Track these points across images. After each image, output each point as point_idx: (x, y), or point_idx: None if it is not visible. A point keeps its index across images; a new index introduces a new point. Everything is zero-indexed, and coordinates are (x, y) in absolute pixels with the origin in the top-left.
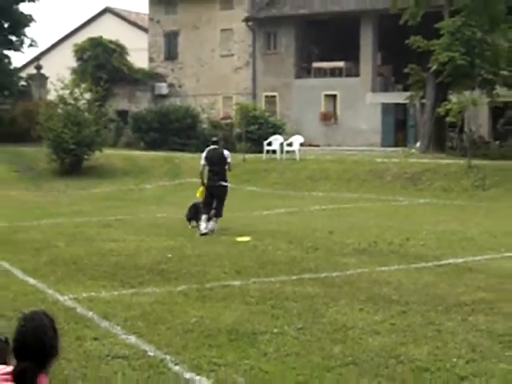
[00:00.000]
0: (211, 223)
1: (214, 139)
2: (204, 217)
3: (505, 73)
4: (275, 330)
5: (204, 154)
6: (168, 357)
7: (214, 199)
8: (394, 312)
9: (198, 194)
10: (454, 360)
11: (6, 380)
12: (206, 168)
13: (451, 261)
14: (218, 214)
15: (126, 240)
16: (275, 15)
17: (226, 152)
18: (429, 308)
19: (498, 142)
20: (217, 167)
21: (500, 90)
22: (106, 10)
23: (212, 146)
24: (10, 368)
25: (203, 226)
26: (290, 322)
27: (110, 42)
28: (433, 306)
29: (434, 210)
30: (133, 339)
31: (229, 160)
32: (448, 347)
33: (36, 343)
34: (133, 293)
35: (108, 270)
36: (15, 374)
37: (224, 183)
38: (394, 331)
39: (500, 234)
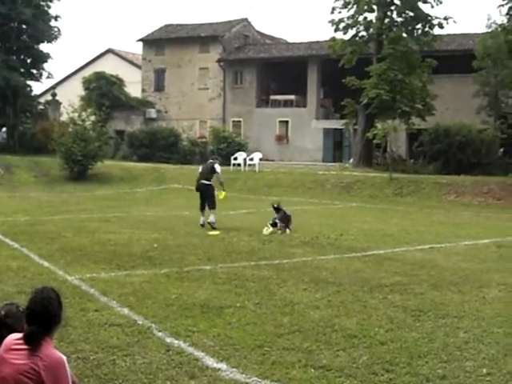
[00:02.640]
0: (211, 216)
1: (213, 157)
2: (200, 213)
3: (419, 106)
4: (238, 305)
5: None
6: (153, 325)
7: (202, 196)
8: (331, 291)
9: (221, 196)
10: (376, 329)
11: (19, 344)
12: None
13: (375, 252)
14: (211, 206)
15: (121, 232)
16: (241, 58)
17: (216, 165)
18: (357, 288)
19: (412, 160)
20: (205, 173)
21: (415, 119)
22: (109, 51)
23: (210, 161)
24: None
25: (201, 219)
26: (250, 298)
27: (111, 75)
28: (360, 286)
29: (363, 212)
30: (126, 311)
31: (218, 171)
32: (372, 319)
33: (43, 311)
34: (126, 274)
35: (107, 256)
36: (24, 336)
37: (206, 182)
38: (330, 306)
39: (414, 231)
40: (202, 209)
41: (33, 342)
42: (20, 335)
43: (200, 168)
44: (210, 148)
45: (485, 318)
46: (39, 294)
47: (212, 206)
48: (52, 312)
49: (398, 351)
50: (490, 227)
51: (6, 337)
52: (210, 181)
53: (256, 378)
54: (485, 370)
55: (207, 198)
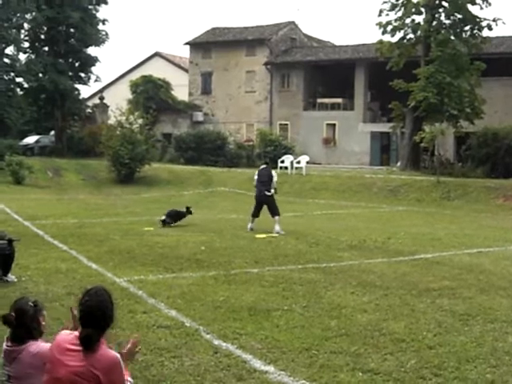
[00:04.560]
0: (276, 226)
1: (266, 160)
2: (251, 218)
3: (467, 110)
4: (285, 308)
5: (256, 173)
6: (201, 327)
7: (261, 205)
8: (378, 295)
9: None
10: (425, 333)
11: (73, 344)
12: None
13: (423, 256)
14: (274, 214)
15: (168, 235)
16: (289, 61)
17: (274, 172)
18: (405, 292)
19: (460, 164)
20: (264, 182)
21: (463, 123)
22: (156, 54)
23: (262, 166)
24: (76, 333)
25: (249, 225)
26: (297, 301)
27: (159, 79)
28: (408, 290)
29: (410, 215)
30: (173, 313)
31: (275, 179)
32: (420, 323)
33: (100, 314)
34: (174, 277)
35: (154, 258)
36: (82, 338)
37: (268, 193)
38: (378, 310)
39: (461, 235)
40: (255, 216)
41: (90, 344)
42: (72, 333)
43: (256, 175)
44: (257, 151)
45: None
46: (94, 297)
47: (276, 213)
48: (108, 314)
49: (446, 355)
50: None
51: (25, 337)
52: (270, 191)
53: (304, 381)
54: None
55: (270, 207)
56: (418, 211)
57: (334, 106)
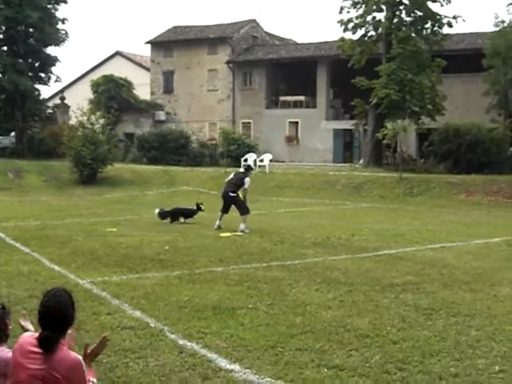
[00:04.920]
0: (241, 225)
1: (246, 169)
2: (220, 214)
3: (428, 106)
4: (250, 306)
5: (233, 173)
6: (166, 327)
7: (227, 204)
8: (342, 291)
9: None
10: (389, 328)
11: (34, 346)
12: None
13: (386, 251)
14: (241, 213)
15: (132, 235)
16: (250, 59)
17: (247, 180)
18: (369, 288)
19: (422, 160)
20: (233, 184)
21: (424, 119)
22: (117, 53)
23: (241, 170)
24: (36, 334)
25: (217, 222)
26: (262, 299)
27: (120, 78)
28: (372, 286)
29: (373, 212)
30: (138, 314)
31: (246, 186)
32: (384, 318)
33: (58, 315)
34: (138, 277)
35: (118, 259)
36: (40, 340)
37: (232, 194)
38: (343, 306)
39: (424, 230)
40: (223, 211)
41: (49, 346)
42: (33, 335)
43: (231, 175)
44: (220, 150)
45: (496, 315)
46: (52, 298)
47: (244, 212)
48: (67, 315)
49: (410, 350)
50: (501, 226)
51: None
52: (235, 193)
53: (269, 379)
54: (497, 368)
55: (237, 206)
56: (382, 208)
57: (296, 104)
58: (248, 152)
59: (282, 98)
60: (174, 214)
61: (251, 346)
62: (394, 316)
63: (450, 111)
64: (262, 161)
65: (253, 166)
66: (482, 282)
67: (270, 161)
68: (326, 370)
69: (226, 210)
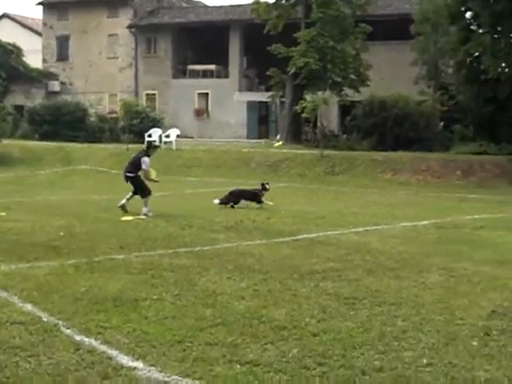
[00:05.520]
0: (143, 208)
1: (147, 144)
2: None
3: (352, 76)
4: (154, 297)
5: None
6: (60, 322)
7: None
8: (257, 280)
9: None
10: (308, 319)
11: None
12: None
13: (305, 236)
14: (141, 196)
15: (23, 220)
16: (155, 23)
17: (144, 159)
18: (286, 276)
19: (345, 136)
20: (130, 164)
21: (347, 91)
22: (4, 16)
23: (144, 149)
24: None
25: (123, 201)
26: (168, 289)
27: (8, 44)
28: (290, 274)
29: (292, 192)
30: (29, 307)
31: (143, 167)
32: (302, 309)
33: None
34: (29, 266)
35: (7, 246)
36: None
37: (129, 174)
38: (257, 296)
39: (347, 213)
40: (133, 192)
41: None
42: None
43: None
44: (121, 124)
45: (424, 304)
46: None
47: (143, 195)
48: None
49: (331, 343)
50: (429, 207)
51: None
52: (132, 173)
53: (176, 377)
54: (425, 361)
55: (135, 188)
56: (300, 188)
57: (206, 74)
58: (152, 127)
59: (190, 67)
60: (236, 197)
61: (156, 341)
62: (314, 306)
63: (375, 82)
64: (168, 136)
65: (158, 142)
66: (408, 268)
67: (177, 136)
68: (238, 365)
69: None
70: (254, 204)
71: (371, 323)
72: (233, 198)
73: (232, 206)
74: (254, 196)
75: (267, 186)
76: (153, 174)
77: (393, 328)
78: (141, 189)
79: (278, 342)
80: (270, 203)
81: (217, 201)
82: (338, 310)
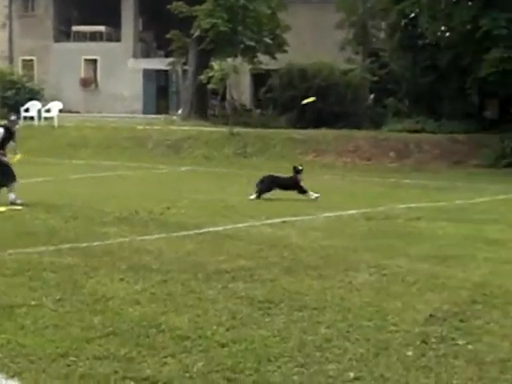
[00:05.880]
0: (10, 195)
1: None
2: None
3: (267, 40)
4: (33, 303)
5: None
6: None
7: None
8: (155, 281)
9: (15, 160)
10: (215, 327)
11: None
12: None
13: (212, 229)
14: (6, 182)
15: None
16: None
17: None
18: (190, 276)
19: (259, 110)
20: None
21: (262, 57)
22: None
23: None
24: None
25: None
26: (48, 293)
27: None
28: (193, 274)
29: (196, 177)
30: None
31: None
32: (209, 315)
33: None
34: None
35: None
36: None
37: None
38: (155, 300)
39: (261, 201)
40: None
41: None
42: None
43: None
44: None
45: (351, 308)
46: None
47: (8, 180)
48: None
49: (242, 354)
50: (358, 194)
51: None
52: None
53: None
54: (352, 374)
55: None
56: (207, 172)
57: (94, 37)
58: (30, 99)
59: (75, 29)
60: (266, 184)
61: (34, 354)
62: (222, 312)
63: (294, 47)
64: (48, 111)
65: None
66: (333, 265)
67: (60, 111)
68: (133, 383)
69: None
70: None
71: (289, 331)
72: (262, 186)
73: (258, 197)
74: (291, 183)
75: (300, 168)
76: (16, 157)
77: (314, 337)
78: (5, 173)
79: (180, 354)
80: (315, 195)
81: (253, 196)
82: (251, 315)
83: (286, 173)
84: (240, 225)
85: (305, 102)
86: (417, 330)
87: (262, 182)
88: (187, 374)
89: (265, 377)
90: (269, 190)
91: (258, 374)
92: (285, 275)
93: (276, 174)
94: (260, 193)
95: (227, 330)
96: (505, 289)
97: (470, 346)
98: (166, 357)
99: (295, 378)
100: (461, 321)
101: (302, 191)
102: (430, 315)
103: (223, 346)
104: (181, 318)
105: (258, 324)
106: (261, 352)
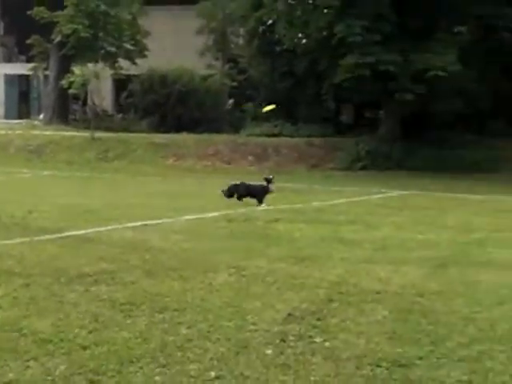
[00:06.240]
0: None
1: None
2: None
3: (127, 46)
4: None
5: None
6: None
7: None
8: (17, 285)
9: None
10: (77, 330)
11: None
12: None
13: (74, 233)
14: None
15: None
16: None
17: None
18: (52, 280)
19: (120, 115)
20: None
21: (123, 63)
22: None
23: None
24: None
25: None
26: None
27: None
28: (56, 278)
29: (58, 182)
30: None
31: None
32: (71, 318)
33: None
34: None
35: None
36: None
37: None
38: (17, 305)
39: (122, 205)
40: None
41: None
42: None
43: None
44: None
45: (212, 309)
46: None
47: None
48: None
49: (104, 356)
50: (218, 197)
51: None
52: None
53: None
54: (213, 373)
55: None
56: (69, 176)
57: None
58: None
59: None
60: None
61: None
62: (84, 315)
63: (155, 53)
64: None
65: None
66: (194, 267)
67: None
68: None
69: None
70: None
71: (151, 332)
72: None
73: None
74: (262, 192)
75: (271, 177)
76: None
77: (176, 337)
78: None
79: (43, 357)
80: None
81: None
82: (113, 318)
83: (146, 176)
84: (102, 228)
85: (265, 109)
86: (276, 329)
87: (235, 186)
88: (50, 378)
89: (127, 378)
90: (244, 196)
91: (121, 376)
92: (146, 278)
93: (247, 183)
94: (239, 198)
95: (90, 332)
96: (360, 287)
97: (326, 344)
98: (28, 360)
99: (157, 378)
100: (318, 319)
101: (261, 201)
102: (289, 314)
103: (85, 348)
104: (43, 321)
105: (120, 326)
106: (123, 354)
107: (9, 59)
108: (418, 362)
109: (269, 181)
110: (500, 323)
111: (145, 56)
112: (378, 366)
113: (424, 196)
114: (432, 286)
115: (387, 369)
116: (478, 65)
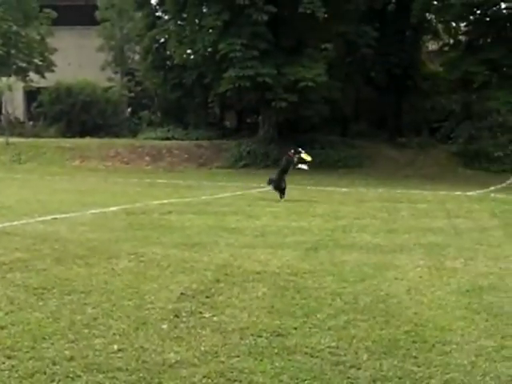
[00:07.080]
0: None
1: None
2: None
3: (37, 61)
4: None
5: None
6: None
7: None
8: None
9: None
10: None
11: None
12: None
13: None
14: None
15: None
16: None
17: None
18: None
19: (31, 123)
20: None
21: (34, 77)
22: None
23: None
24: None
25: None
26: None
27: None
28: None
29: None
30: None
31: None
32: None
33: None
34: None
35: None
36: None
37: None
38: None
39: (34, 201)
40: None
41: None
42: None
43: None
44: None
45: (114, 291)
46: None
47: None
48: None
49: (20, 335)
50: (119, 193)
51: None
52: None
53: None
54: (116, 347)
55: None
56: None
57: None
58: None
59: None
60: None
61: None
62: (1, 298)
63: (62, 68)
64: None
65: None
66: (98, 255)
67: None
68: None
69: None
70: None
71: (61, 313)
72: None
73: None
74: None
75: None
76: None
77: (83, 316)
78: None
79: None
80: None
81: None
82: (27, 301)
83: (55, 175)
84: (16, 222)
85: (300, 166)
86: (170, 307)
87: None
88: None
89: (40, 353)
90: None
91: (34, 351)
92: (56, 265)
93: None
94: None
95: (6, 314)
96: (243, 269)
97: (215, 318)
98: None
99: (67, 352)
100: (207, 297)
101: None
102: (181, 293)
103: (3, 328)
104: None
105: (33, 308)
106: (36, 332)
107: None
108: (293, 331)
109: (297, 152)
110: (362, 297)
111: (52, 70)
112: (259, 336)
113: (297, 189)
114: (305, 266)
115: (267, 338)
116: (342, 76)
